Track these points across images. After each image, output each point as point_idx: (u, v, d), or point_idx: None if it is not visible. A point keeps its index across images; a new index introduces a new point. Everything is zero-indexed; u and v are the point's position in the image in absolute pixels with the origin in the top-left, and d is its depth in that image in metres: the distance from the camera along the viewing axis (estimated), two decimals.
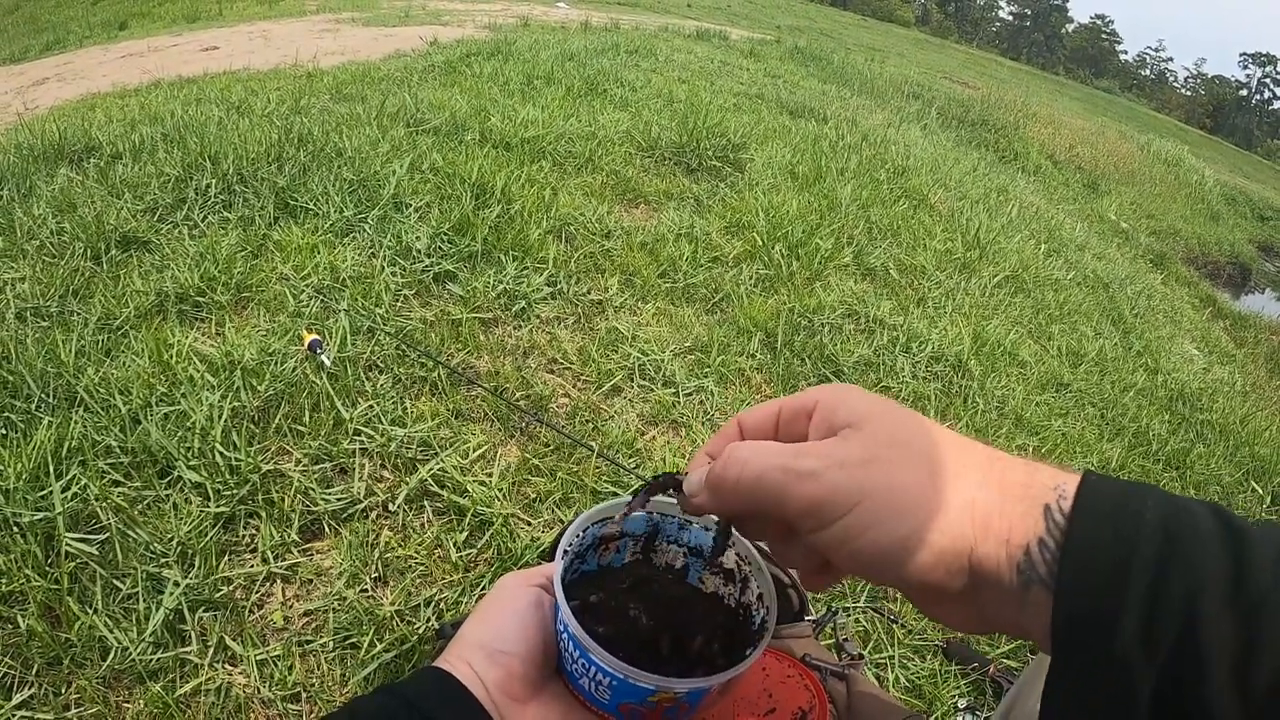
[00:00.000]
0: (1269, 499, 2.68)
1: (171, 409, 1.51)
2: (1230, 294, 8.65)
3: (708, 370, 1.98)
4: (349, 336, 1.76)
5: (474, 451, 1.54)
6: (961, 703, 1.33)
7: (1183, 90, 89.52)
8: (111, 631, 1.16)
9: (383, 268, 2.07)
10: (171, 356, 1.65)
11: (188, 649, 1.17)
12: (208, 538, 1.30)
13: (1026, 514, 0.34)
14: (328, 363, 1.65)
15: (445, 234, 2.24)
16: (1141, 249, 7.36)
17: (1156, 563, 0.31)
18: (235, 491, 1.37)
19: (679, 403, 1.84)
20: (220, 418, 1.49)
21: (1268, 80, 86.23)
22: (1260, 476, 2.77)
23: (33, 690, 1.10)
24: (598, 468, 1.56)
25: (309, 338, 1.69)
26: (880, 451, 0.36)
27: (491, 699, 0.45)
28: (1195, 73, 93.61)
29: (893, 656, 1.38)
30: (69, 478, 1.36)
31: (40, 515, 1.29)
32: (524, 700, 0.47)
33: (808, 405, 0.40)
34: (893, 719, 0.69)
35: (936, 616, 0.38)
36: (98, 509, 1.32)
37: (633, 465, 1.59)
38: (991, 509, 0.34)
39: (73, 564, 1.23)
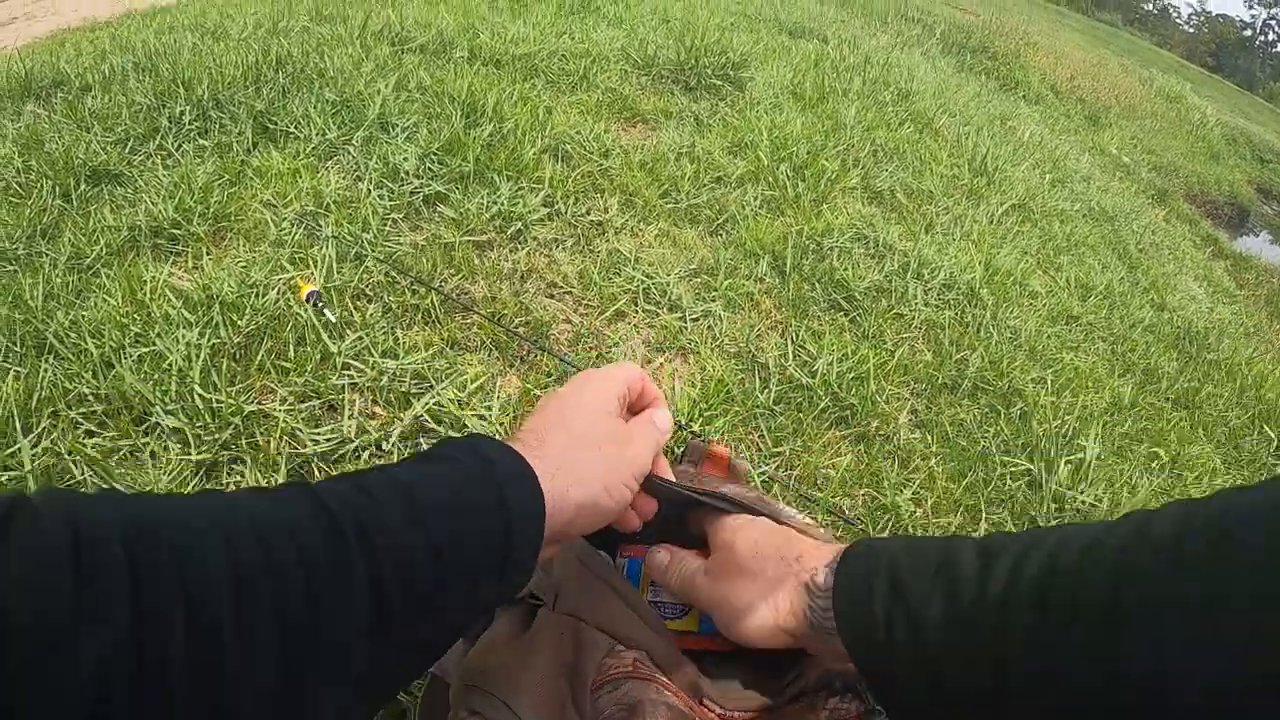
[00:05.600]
0: (1277, 443, 2.63)
1: (147, 350, 1.41)
2: (1228, 234, 8.57)
3: (715, 294, 1.88)
4: (335, 264, 1.66)
5: (472, 383, 1.45)
6: None
7: (1185, 27, 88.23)
8: None
9: (369, 190, 1.95)
10: (145, 294, 1.55)
11: None
12: (189, 487, 1.21)
13: (797, 593, 0.56)
14: (333, 317, 1.53)
15: (435, 154, 2.11)
16: (1143, 184, 7.22)
17: (886, 585, 0.50)
18: (217, 436, 1.28)
19: (686, 328, 1.75)
20: (199, 357, 1.39)
21: (1273, 22, 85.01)
22: (1270, 420, 2.72)
23: None
24: None
25: (306, 288, 1.57)
26: (721, 577, 0.60)
27: (550, 533, 0.51)
28: (1199, 9, 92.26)
29: None
30: (39, 430, 1.26)
31: (9, 475, 1.19)
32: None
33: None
34: None
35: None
36: (70, 463, 1.22)
37: None
38: (780, 598, 0.56)
39: None
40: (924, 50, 6.79)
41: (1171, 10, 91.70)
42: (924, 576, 0.48)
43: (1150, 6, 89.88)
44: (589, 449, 0.55)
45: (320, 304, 1.54)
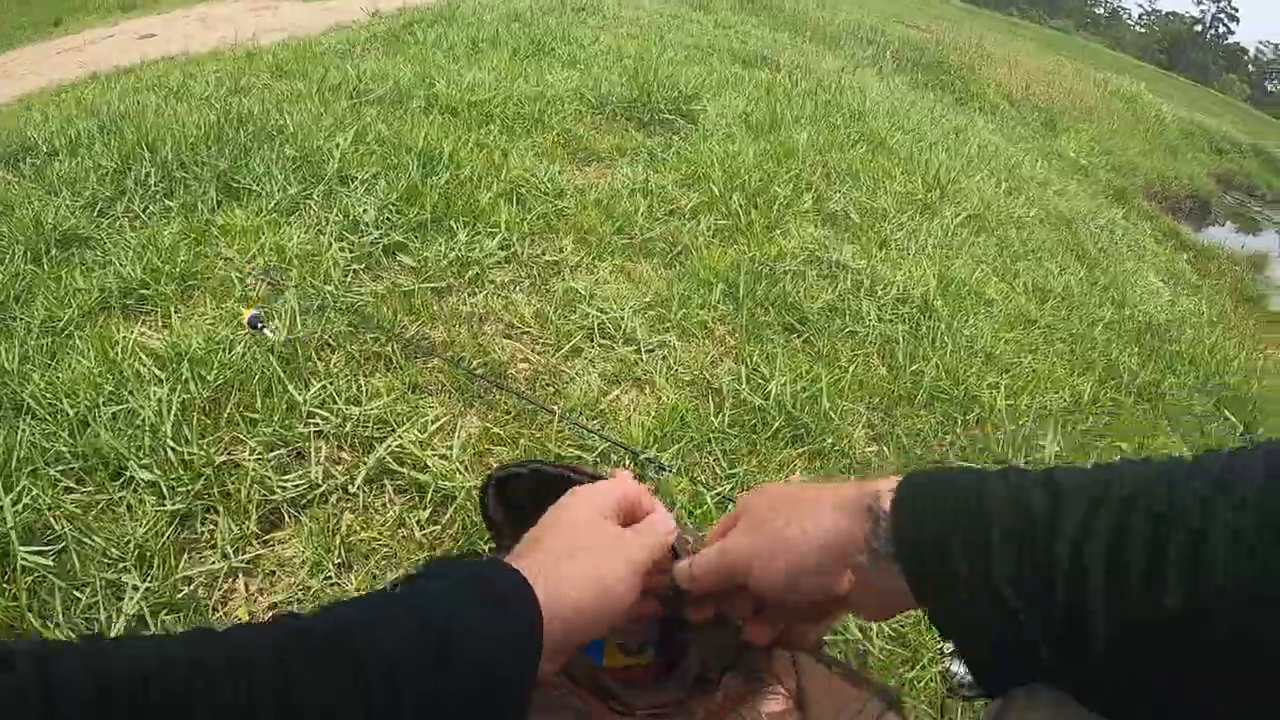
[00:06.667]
0: (1241, 428, 2.70)
1: (120, 408, 1.46)
2: (1192, 226, 8.75)
3: (669, 325, 1.94)
4: (298, 317, 1.71)
5: (432, 425, 1.50)
6: (948, 647, 1.32)
7: (1137, 27, 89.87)
8: None
9: (330, 244, 2.01)
10: (117, 354, 1.59)
11: None
12: (165, 537, 1.25)
13: (858, 517, 0.52)
14: (270, 335, 1.59)
15: (393, 204, 2.18)
16: (1102, 184, 7.38)
17: (954, 520, 0.48)
18: (190, 487, 1.32)
19: (641, 360, 1.81)
20: (170, 412, 1.43)
21: (1221, 15, 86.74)
22: (1232, 405, 2.80)
23: None
24: (560, 431, 1.52)
25: (248, 313, 1.63)
26: (757, 526, 0.58)
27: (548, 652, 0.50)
28: (1149, 9, 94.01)
29: None
30: (19, 489, 1.30)
31: None
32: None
33: (732, 515, 0.62)
34: (850, 688, 0.66)
35: (863, 614, 0.62)
36: (51, 519, 1.26)
37: (597, 426, 1.55)
38: (838, 524, 0.53)
39: (30, 578, 1.18)
40: (878, 69, 6.94)
41: (1122, 12, 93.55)
42: (995, 515, 0.46)
43: (1101, 10, 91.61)
44: (582, 552, 0.55)
45: (260, 326, 1.61)
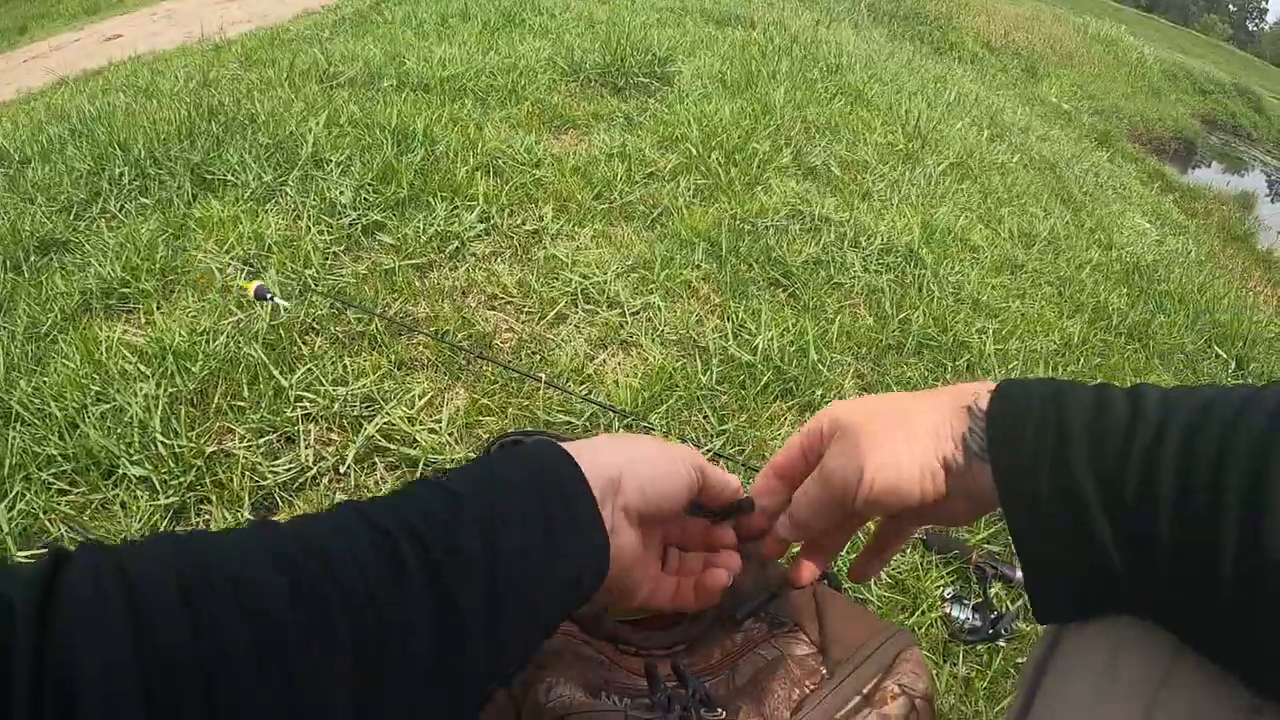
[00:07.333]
0: (1233, 364, 2.71)
1: (108, 407, 1.45)
2: (1177, 168, 8.75)
3: (653, 286, 1.94)
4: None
5: (420, 400, 1.50)
6: (948, 592, 1.32)
7: None
8: None
9: (308, 228, 1.99)
10: (102, 354, 1.58)
11: None
12: (160, 531, 1.26)
13: (958, 416, 0.53)
14: (285, 304, 1.59)
15: (370, 184, 2.16)
16: (1085, 128, 7.36)
17: (1041, 417, 0.49)
18: (182, 480, 1.32)
19: (627, 322, 1.80)
20: (158, 407, 1.43)
21: None
22: (1222, 342, 2.81)
23: None
24: (548, 397, 1.52)
25: (252, 286, 1.63)
26: (856, 442, 0.54)
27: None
28: None
29: None
30: (14, 495, 1.30)
31: None
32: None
33: (815, 432, 0.58)
34: (871, 630, 0.66)
35: (947, 521, 0.58)
36: (46, 522, 1.27)
37: (584, 391, 1.55)
38: (939, 424, 0.53)
39: None
40: (854, 22, 6.88)
41: None
42: (1078, 412, 0.48)
43: None
44: (624, 439, 0.57)
45: (270, 296, 1.61)
